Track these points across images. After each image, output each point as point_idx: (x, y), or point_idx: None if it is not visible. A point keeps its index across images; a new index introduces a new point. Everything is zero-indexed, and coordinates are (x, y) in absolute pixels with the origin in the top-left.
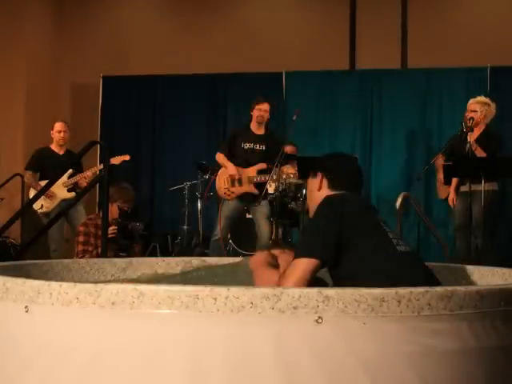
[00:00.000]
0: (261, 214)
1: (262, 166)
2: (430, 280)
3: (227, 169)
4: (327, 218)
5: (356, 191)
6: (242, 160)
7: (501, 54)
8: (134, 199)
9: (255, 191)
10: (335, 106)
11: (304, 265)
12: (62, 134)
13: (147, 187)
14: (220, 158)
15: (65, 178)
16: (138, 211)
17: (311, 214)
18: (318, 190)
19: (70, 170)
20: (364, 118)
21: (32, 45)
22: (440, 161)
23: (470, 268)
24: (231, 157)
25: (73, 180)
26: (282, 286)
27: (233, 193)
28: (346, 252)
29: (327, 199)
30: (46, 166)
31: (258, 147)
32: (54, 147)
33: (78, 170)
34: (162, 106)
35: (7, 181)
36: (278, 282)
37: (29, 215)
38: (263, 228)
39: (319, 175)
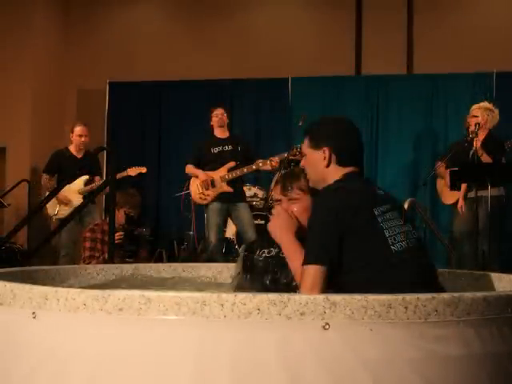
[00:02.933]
0: (244, 218)
1: (231, 164)
2: (427, 280)
3: (198, 176)
4: (326, 220)
5: (360, 168)
6: (214, 164)
7: (507, 59)
8: (140, 205)
9: (230, 190)
10: (341, 112)
11: (312, 273)
12: (83, 139)
13: (153, 193)
14: (189, 168)
15: (81, 184)
16: (144, 217)
17: (314, 184)
18: (326, 167)
19: (87, 177)
20: (370, 123)
21: (39, 51)
22: (442, 167)
23: (477, 274)
24: (204, 165)
25: (89, 187)
26: (301, 290)
27: (208, 195)
28: (340, 257)
29: (326, 196)
30: (63, 168)
31: (226, 148)
32: (72, 149)
33: (96, 174)
34: (167, 111)
35: (14, 187)
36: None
37: (36, 221)
38: (251, 232)
39: (326, 150)
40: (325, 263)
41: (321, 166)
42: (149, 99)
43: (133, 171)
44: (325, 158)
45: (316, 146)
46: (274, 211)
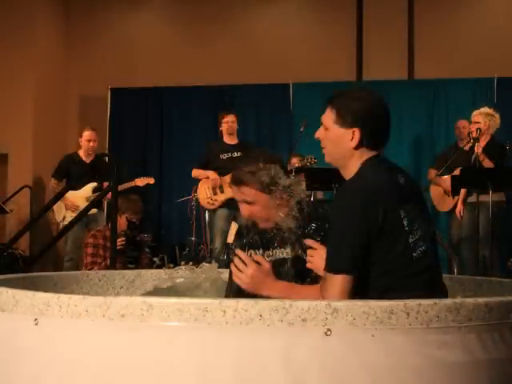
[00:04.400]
0: None
1: None
2: (437, 286)
3: (208, 176)
4: (355, 221)
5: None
6: (223, 170)
7: (507, 64)
8: (142, 211)
9: None
10: None
11: (340, 283)
12: (91, 144)
13: (155, 198)
14: (196, 171)
15: (89, 191)
16: (146, 223)
17: (331, 161)
18: (354, 148)
19: (95, 184)
20: None
21: (40, 58)
22: (432, 174)
23: (478, 279)
24: (211, 170)
25: (97, 194)
26: None
27: (216, 201)
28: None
29: (353, 193)
30: (71, 173)
31: (235, 155)
32: (81, 154)
33: (105, 180)
34: (169, 117)
35: (16, 193)
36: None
37: (38, 226)
38: None
39: (356, 132)
40: (353, 272)
41: (346, 146)
42: (150, 105)
43: (141, 181)
44: (353, 138)
45: (344, 123)
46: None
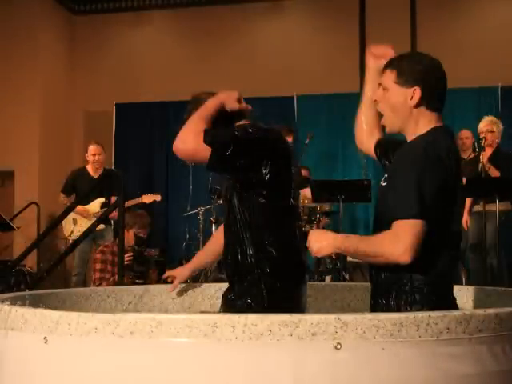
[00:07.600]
0: None
1: None
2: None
3: None
4: (432, 168)
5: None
6: None
7: None
8: (149, 225)
9: None
10: (347, 129)
11: (414, 226)
12: (96, 157)
13: (162, 213)
14: None
15: (97, 207)
16: (154, 237)
17: (391, 127)
18: (414, 107)
19: (103, 199)
20: None
21: (46, 74)
22: None
23: (487, 289)
24: None
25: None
26: (392, 252)
27: None
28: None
29: (426, 145)
30: (78, 188)
31: None
32: (89, 169)
33: (114, 194)
34: (174, 131)
35: (23, 209)
36: (386, 242)
37: (45, 243)
38: None
39: (417, 90)
40: (424, 217)
41: (405, 106)
42: (155, 120)
43: (147, 198)
44: (413, 97)
45: (405, 82)
46: None
